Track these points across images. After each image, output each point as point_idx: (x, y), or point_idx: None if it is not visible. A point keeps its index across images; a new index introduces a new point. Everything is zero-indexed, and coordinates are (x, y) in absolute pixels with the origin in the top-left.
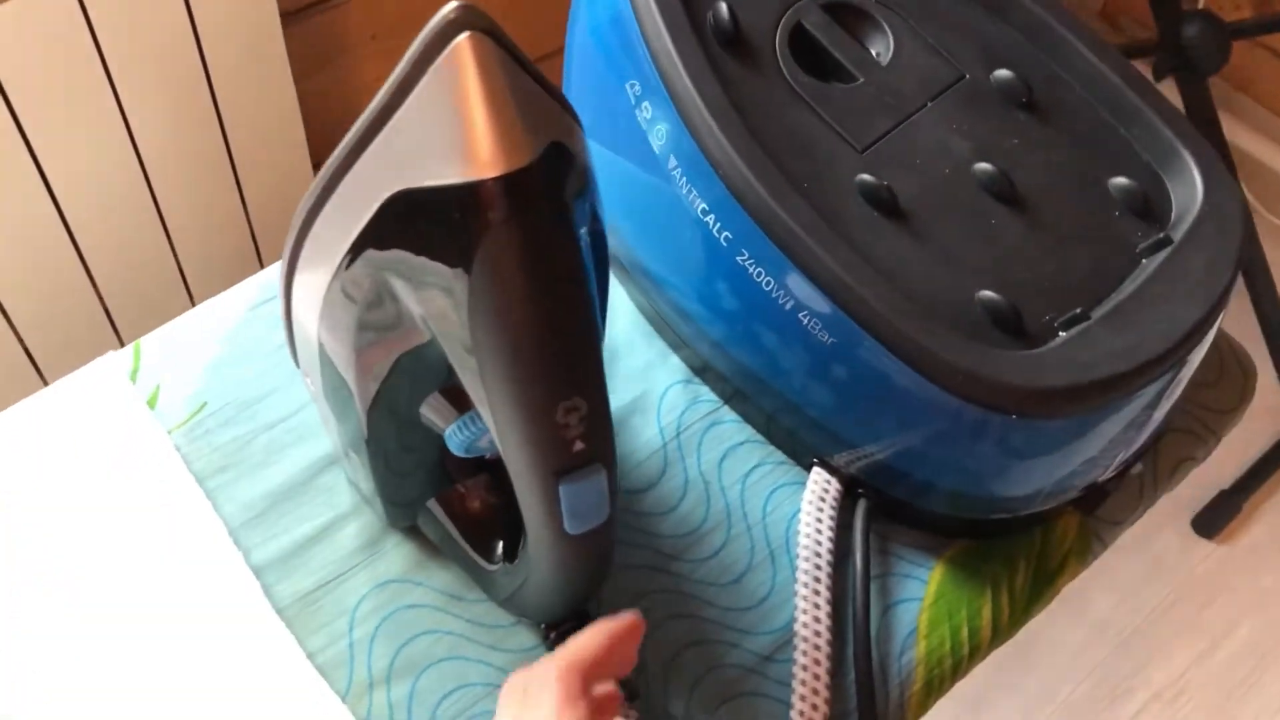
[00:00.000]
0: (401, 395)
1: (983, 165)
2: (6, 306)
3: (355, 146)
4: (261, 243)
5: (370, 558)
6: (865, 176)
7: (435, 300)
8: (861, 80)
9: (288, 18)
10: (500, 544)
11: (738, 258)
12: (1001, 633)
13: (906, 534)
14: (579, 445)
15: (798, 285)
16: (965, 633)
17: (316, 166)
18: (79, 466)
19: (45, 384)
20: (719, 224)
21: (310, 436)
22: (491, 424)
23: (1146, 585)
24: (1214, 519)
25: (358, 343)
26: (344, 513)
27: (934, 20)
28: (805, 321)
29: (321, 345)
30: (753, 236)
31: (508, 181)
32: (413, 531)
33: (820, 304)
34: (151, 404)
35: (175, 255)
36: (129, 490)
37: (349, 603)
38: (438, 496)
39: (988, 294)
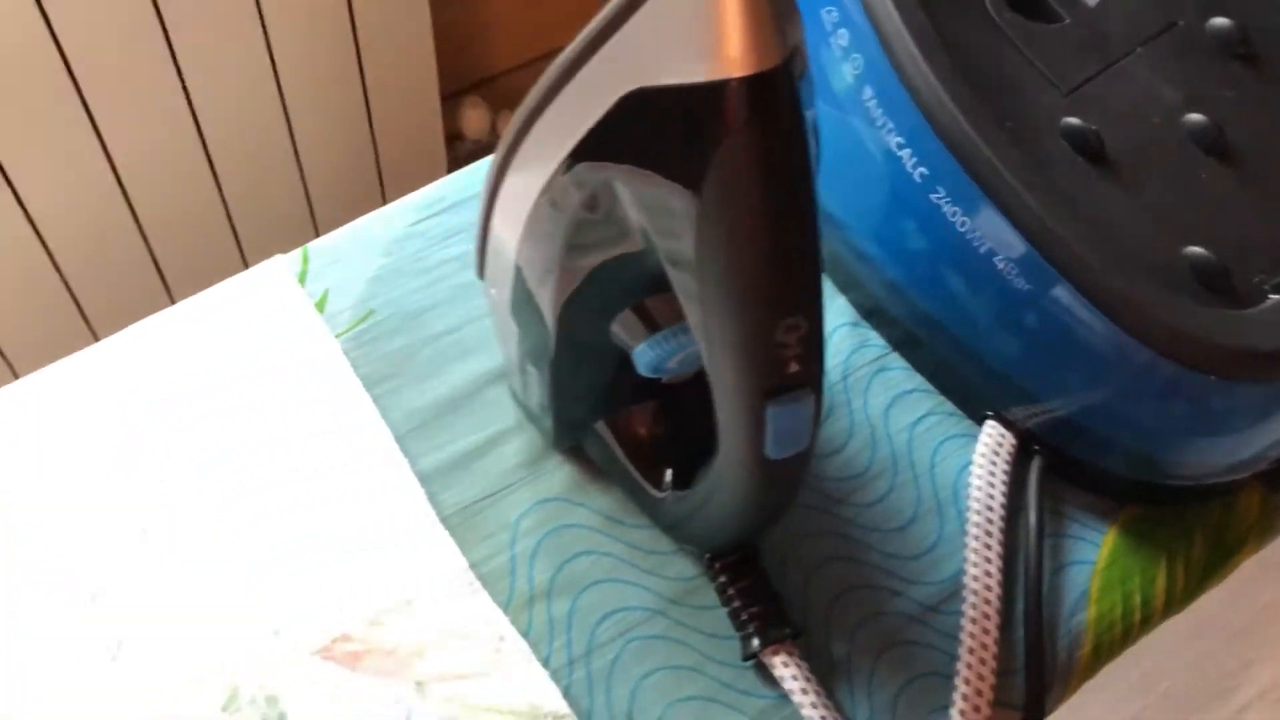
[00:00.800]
0: (595, 310)
1: (1194, 116)
2: (141, 218)
3: (591, 43)
4: (385, 175)
5: (532, 475)
6: (1071, 120)
7: (659, 208)
8: (1068, 21)
9: None
10: (669, 471)
11: (931, 195)
12: (1174, 604)
13: (1080, 495)
14: (794, 367)
15: (996, 226)
16: (1138, 600)
17: (444, 99)
18: (246, 365)
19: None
20: (914, 159)
21: (476, 351)
22: (703, 339)
23: (1257, 582)
24: None
25: (563, 250)
26: (507, 429)
27: None
28: (1000, 265)
29: (519, 252)
30: (951, 173)
31: (757, 82)
32: (573, 453)
33: (1019, 247)
34: (320, 308)
35: (303, 178)
36: (297, 392)
37: (510, 517)
38: (606, 419)
39: (1195, 250)
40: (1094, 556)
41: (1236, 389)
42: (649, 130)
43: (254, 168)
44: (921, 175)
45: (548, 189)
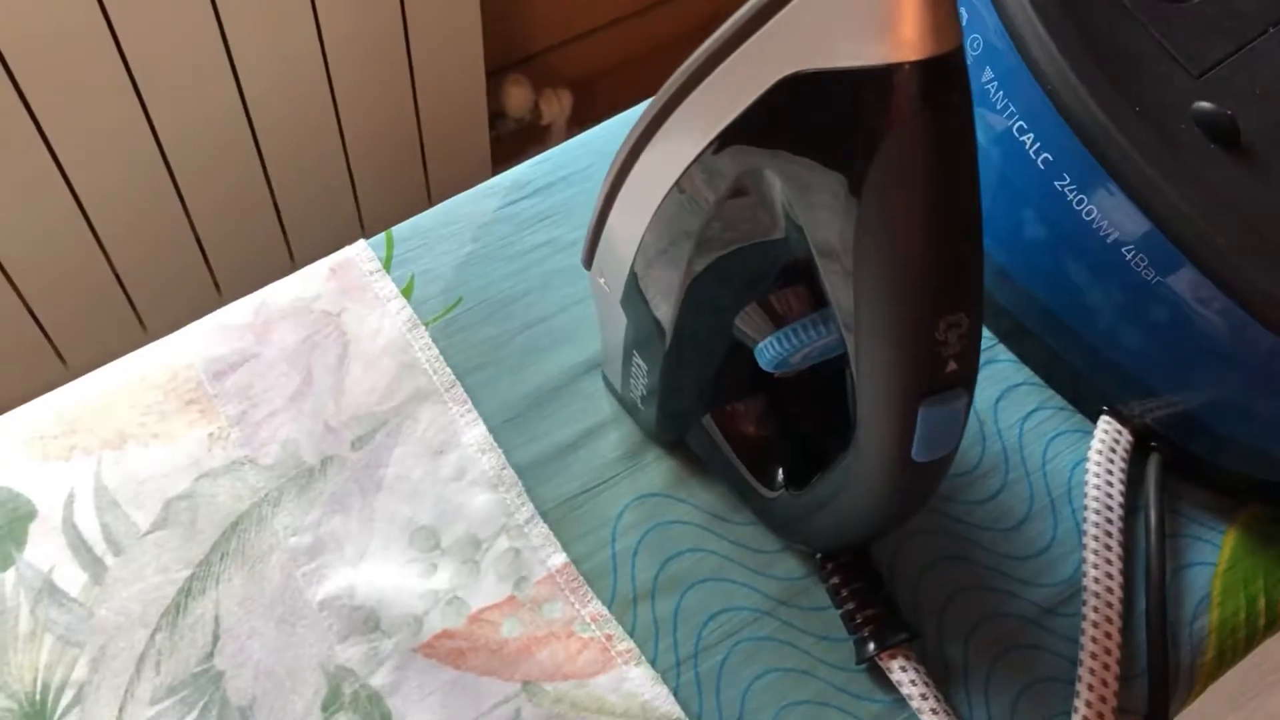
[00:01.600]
0: (720, 300)
1: None
2: (189, 205)
3: (747, 24)
4: (428, 152)
5: (631, 469)
6: (1203, 104)
7: (816, 196)
8: (1198, 0)
9: None
10: (780, 470)
11: (1056, 181)
12: None
13: (1198, 494)
14: (952, 365)
15: (1124, 212)
16: (1263, 604)
17: (488, 76)
18: (326, 351)
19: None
20: (1037, 143)
21: (568, 340)
22: (855, 334)
23: None
24: None
25: (696, 237)
26: (604, 421)
27: None
28: (1128, 255)
29: (642, 239)
30: (1078, 157)
31: (934, 66)
32: (673, 447)
33: (1148, 233)
34: (406, 295)
35: (345, 153)
36: (380, 383)
37: (611, 513)
38: (714, 413)
39: None
40: (1214, 558)
41: None
42: (810, 115)
43: (298, 143)
44: (1045, 161)
45: (688, 174)
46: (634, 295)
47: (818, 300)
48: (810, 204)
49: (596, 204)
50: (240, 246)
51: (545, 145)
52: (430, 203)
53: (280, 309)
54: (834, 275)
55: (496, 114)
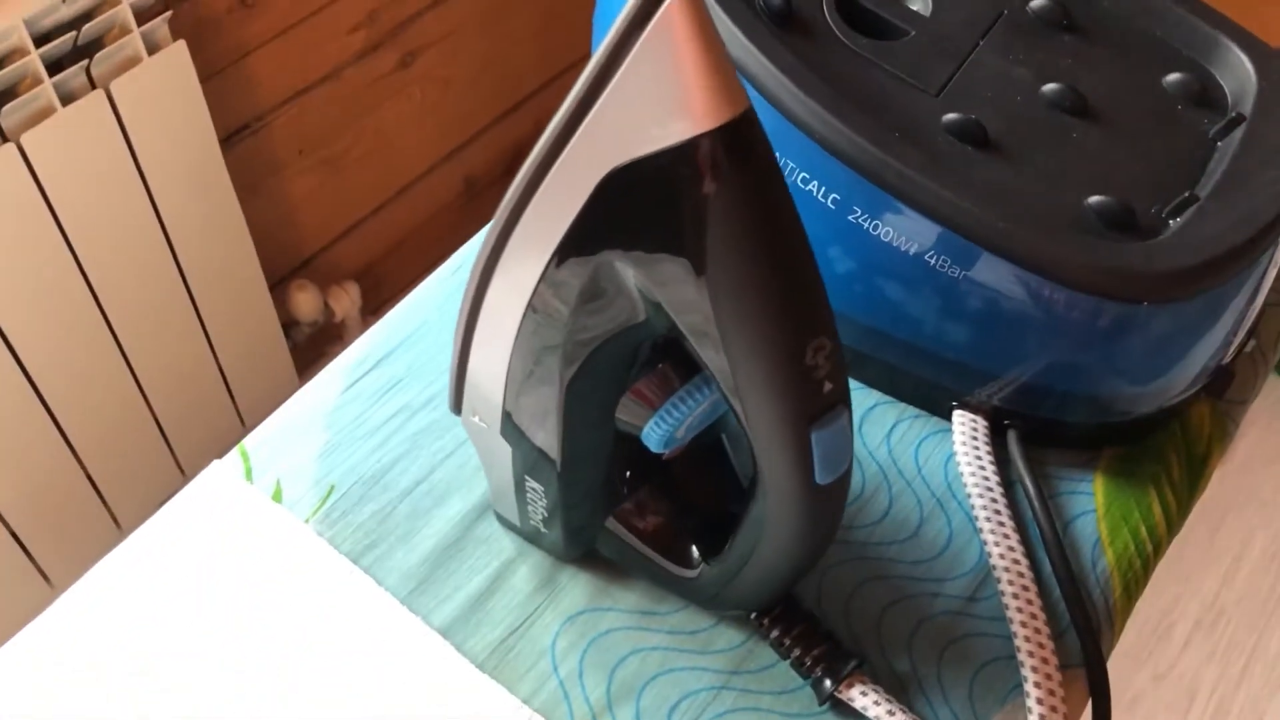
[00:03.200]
0: (599, 395)
1: (1050, 86)
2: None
3: (556, 141)
4: (230, 377)
5: (551, 596)
6: (951, 115)
7: (663, 274)
8: (913, 33)
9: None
10: (693, 547)
11: (849, 216)
12: (1174, 525)
13: (1057, 455)
14: (828, 386)
15: (918, 225)
16: (1144, 531)
17: (272, 289)
18: (221, 577)
19: (37, 567)
20: (822, 187)
21: (451, 493)
22: (732, 384)
23: None
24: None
25: (565, 344)
26: (510, 558)
27: None
28: (932, 260)
29: (510, 365)
30: (861, 189)
31: (737, 127)
32: (584, 562)
33: (945, 238)
34: (277, 499)
35: (147, 400)
36: (283, 587)
37: (544, 644)
38: (616, 515)
39: (1096, 199)
40: (1092, 505)
41: (1169, 310)
42: (637, 205)
43: (94, 405)
44: (834, 202)
45: (538, 294)
46: (512, 422)
47: (685, 372)
48: (661, 281)
49: (454, 348)
50: (58, 517)
51: (345, 341)
52: (244, 426)
53: (155, 551)
54: (702, 338)
55: (289, 324)
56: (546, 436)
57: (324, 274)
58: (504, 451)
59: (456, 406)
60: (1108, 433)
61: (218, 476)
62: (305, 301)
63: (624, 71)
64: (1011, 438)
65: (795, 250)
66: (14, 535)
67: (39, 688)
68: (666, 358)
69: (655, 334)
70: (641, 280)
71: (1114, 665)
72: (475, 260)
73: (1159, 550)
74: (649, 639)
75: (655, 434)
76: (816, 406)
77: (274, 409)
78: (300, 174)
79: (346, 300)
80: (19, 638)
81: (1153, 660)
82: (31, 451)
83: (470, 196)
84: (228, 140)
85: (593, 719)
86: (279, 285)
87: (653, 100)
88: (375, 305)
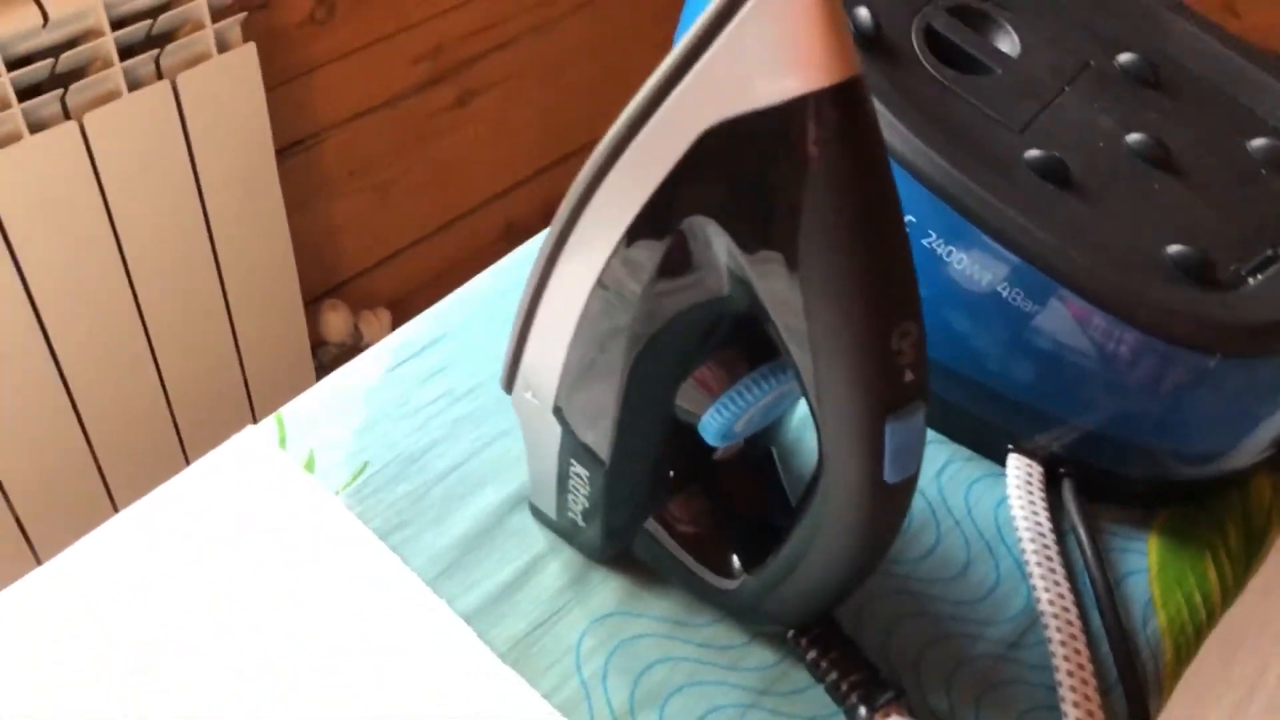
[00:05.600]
0: (662, 379)
1: (1134, 135)
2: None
3: (653, 97)
4: (253, 388)
5: (580, 594)
6: (1033, 151)
7: (752, 234)
8: (999, 71)
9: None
10: (734, 556)
11: (924, 241)
12: (1229, 594)
13: (1112, 511)
14: (909, 376)
15: (995, 255)
16: (1198, 598)
17: (306, 301)
18: (244, 538)
19: (33, 550)
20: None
21: (487, 482)
22: (812, 365)
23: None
24: None
25: (632, 320)
26: (541, 553)
27: (1047, 16)
28: (1004, 293)
29: (572, 341)
30: (941, 215)
31: (848, 88)
32: (618, 564)
33: (1021, 270)
34: (309, 469)
35: (168, 400)
36: (307, 555)
37: (569, 641)
38: (656, 517)
39: (1176, 248)
40: (1144, 565)
41: (1238, 365)
42: (736, 160)
43: (117, 399)
44: (909, 225)
45: (613, 261)
46: (576, 397)
47: (751, 364)
48: (747, 247)
49: (516, 319)
50: (62, 500)
51: None
52: None
53: (183, 506)
54: (783, 308)
55: (317, 342)
56: (598, 420)
57: (357, 297)
58: (552, 434)
59: (509, 384)
60: (1165, 492)
61: (250, 440)
62: (336, 322)
63: (737, 23)
64: (1066, 487)
65: (894, 226)
66: (16, 519)
67: (43, 633)
68: (735, 345)
69: (731, 312)
70: (726, 247)
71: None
72: (550, 228)
73: (1211, 619)
74: (678, 649)
75: (713, 424)
76: (895, 395)
77: None
78: (348, 195)
79: (376, 326)
80: (28, 579)
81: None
82: (46, 431)
83: (509, 240)
84: (282, 152)
85: None
86: (313, 303)
87: (764, 54)
88: None
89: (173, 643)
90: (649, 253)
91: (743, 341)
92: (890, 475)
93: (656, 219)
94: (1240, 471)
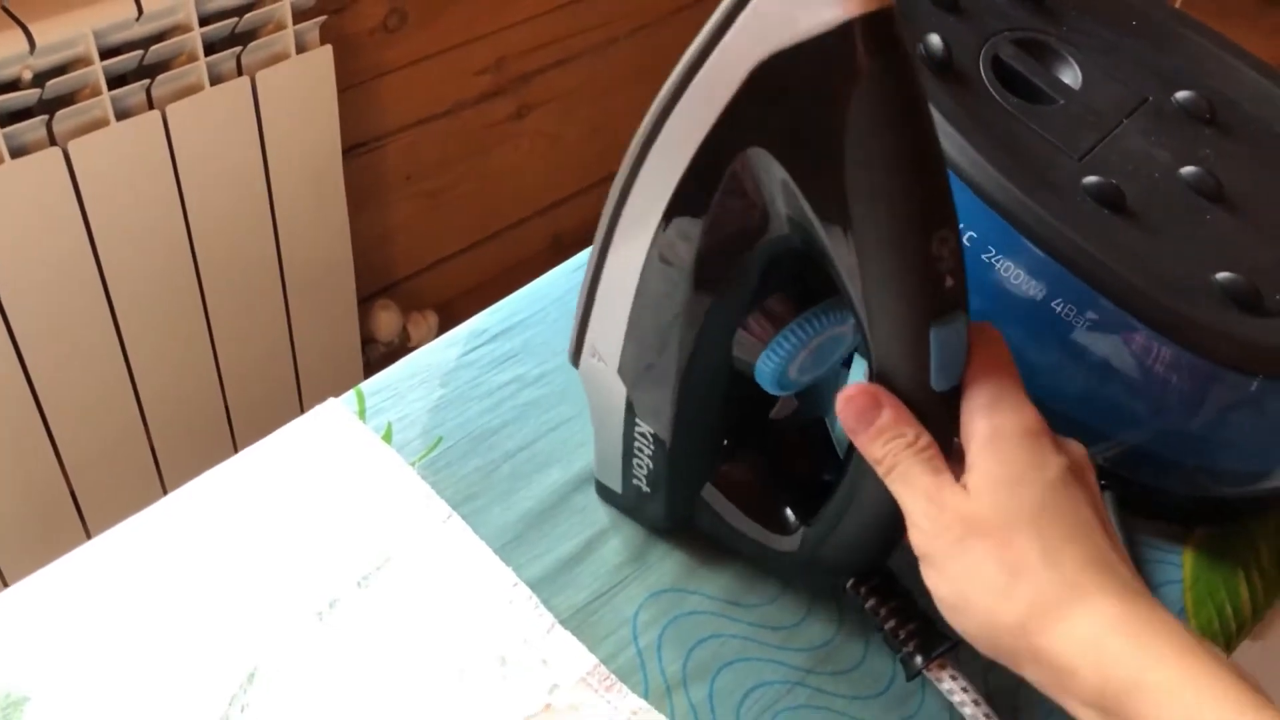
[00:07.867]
0: (717, 327)
1: (1188, 168)
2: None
3: (707, 42)
4: (303, 381)
5: (639, 569)
6: (1091, 178)
7: (806, 155)
8: (1061, 102)
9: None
10: (789, 511)
11: (983, 255)
12: (1259, 610)
13: (1149, 525)
14: (949, 281)
15: (1049, 271)
16: (1230, 611)
17: (359, 299)
18: (323, 501)
19: (85, 524)
20: (961, 225)
21: (553, 462)
22: (858, 276)
23: None
24: None
25: (693, 267)
26: (603, 529)
27: (1108, 51)
28: (1057, 308)
29: (637, 291)
30: (1000, 231)
31: (883, 16)
32: (677, 542)
33: (1074, 287)
34: (386, 440)
35: (222, 387)
36: (381, 519)
37: (627, 613)
38: (714, 482)
39: (1225, 275)
40: (1179, 576)
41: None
42: (783, 96)
43: (175, 380)
44: (970, 239)
45: (676, 198)
46: (639, 359)
47: (799, 309)
48: (801, 171)
49: (580, 294)
50: (113, 480)
51: None
52: None
53: (265, 470)
54: (835, 235)
55: (367, 339)
56: (664, 373)
57: (407, 299)
58: (618, 394)
59: (575, 356)
60: (1202, 509)
61: (332, 411)
62: (386, 321)
63: None
64: (1108, 499)
65: (930, 141)
66: (71, 493)
67: (129, 584)
68: (784, 294)
69: (784, 250)
70: (779, 177)
71: None
72: (612, 187)
73: (1241, 632)
74: (730, 627)
75: (767, 368)
76: (938, 301)
77: None
78: (404, 199)
79: (425, 327)
80: (109, 534)
81: None
82: (107, 411)
83: (555, 252)
84: (347, 153)
85: (666, 690)
86: (364, 301)
87: None
88: None
89: (253, 594)
90: (705, 195)
91: (791, 291)
92: (937, 383)
93: (713, 155)
94: (1277, 492)
